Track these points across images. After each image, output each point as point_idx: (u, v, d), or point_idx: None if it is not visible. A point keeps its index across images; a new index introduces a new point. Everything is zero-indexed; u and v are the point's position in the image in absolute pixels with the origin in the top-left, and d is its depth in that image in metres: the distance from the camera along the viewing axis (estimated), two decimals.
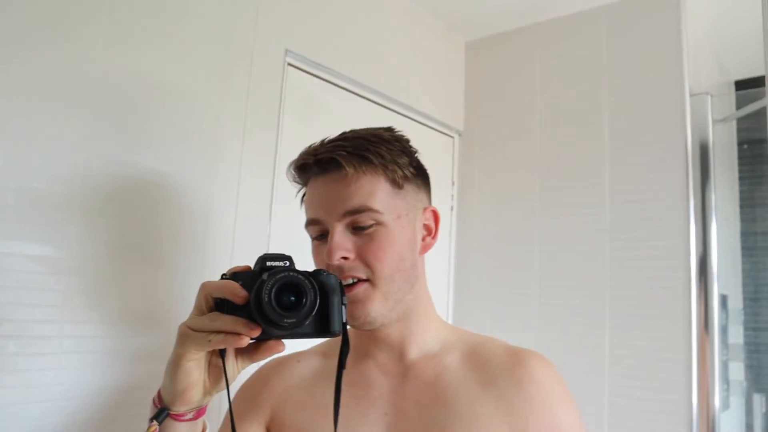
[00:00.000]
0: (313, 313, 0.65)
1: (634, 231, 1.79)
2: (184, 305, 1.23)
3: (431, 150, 2.12)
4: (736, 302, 2.11)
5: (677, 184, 1.73)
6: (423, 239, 0.90)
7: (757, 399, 2.05)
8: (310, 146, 0.88)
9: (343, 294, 0.71)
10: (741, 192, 2.27)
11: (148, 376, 1.15)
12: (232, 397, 0.74)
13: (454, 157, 2.20)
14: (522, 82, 2.11)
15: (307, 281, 0.65)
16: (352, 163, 0.82)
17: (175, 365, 0.67)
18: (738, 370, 1.99)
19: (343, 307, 0.70)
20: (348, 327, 0.76)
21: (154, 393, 0.74)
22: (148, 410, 0.72)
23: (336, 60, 1.68)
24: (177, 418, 0.70)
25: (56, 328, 1.05)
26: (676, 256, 1.71)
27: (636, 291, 1.76)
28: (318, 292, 0.65)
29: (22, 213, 1.01)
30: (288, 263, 0.68)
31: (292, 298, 0.65)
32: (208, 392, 0.71)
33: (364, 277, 0.82)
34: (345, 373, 0.89)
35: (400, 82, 1.93)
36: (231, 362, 0.71)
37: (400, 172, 0.85)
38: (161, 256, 1.21)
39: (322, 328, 0.68)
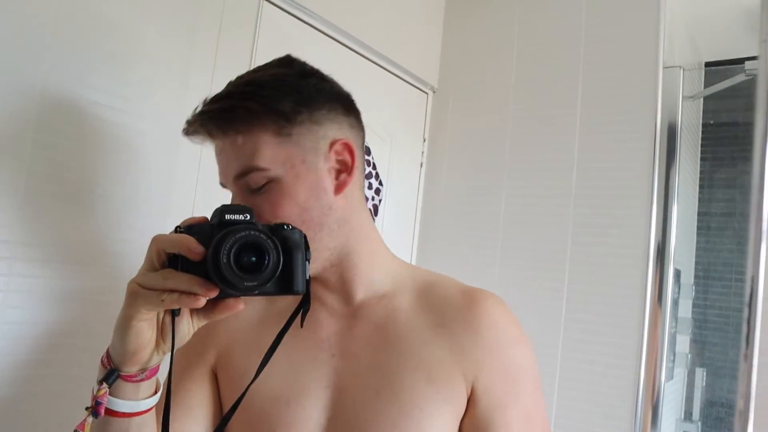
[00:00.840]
0: (276, 275, 0.61)
1: (599, 199, 1.81)
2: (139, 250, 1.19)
3: (405, 104, 2.10)
4: (688, 278, 2.17)
5: (644, 158, 1.75)
6: (337, 177, 0.82)
7: (699, 373, 2.13)
8: (195, 109, 0.80)
9: (307, 249, 0.67)
10: (701, 172, 2.32)
11: (100, 306, 1.11)
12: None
13: (427, 114, 2.18)
14: (500, 42, 2.09)
15: (269, 240, 0.60)
16: (221, 130, 0.76)
17: (124, 325, 0.62)
18: (684, 344, 2.06)
19: (307, 262, 0.66)
20: None
21: (103, 351, 0.68)
22: (96, 370, 0.68)
23: (315, 1, 1.62)
24: (128, 378, 0.65)
25: (6, 249, 1.00)
26: (637, 229, 1.74)
27: (595, 258, 1.79)
28: (281, 252, 0.61)
29: None
30: (249, 216, 0.63)
31: (253, 259, 0.60)
32: (161, 351, 0.67)
33: None
34: (287, 312, 0.85)
35: (378, 31, 1.88)
36: (186, 321, 0.67)
37: (282, 119, 0.76)
38: (118, 184, 1.16)
39: (284, 287, 0.64)
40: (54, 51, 1.04)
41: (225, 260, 0.58)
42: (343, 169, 0.82)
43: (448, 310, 0.83)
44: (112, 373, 0.65)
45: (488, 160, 2.05)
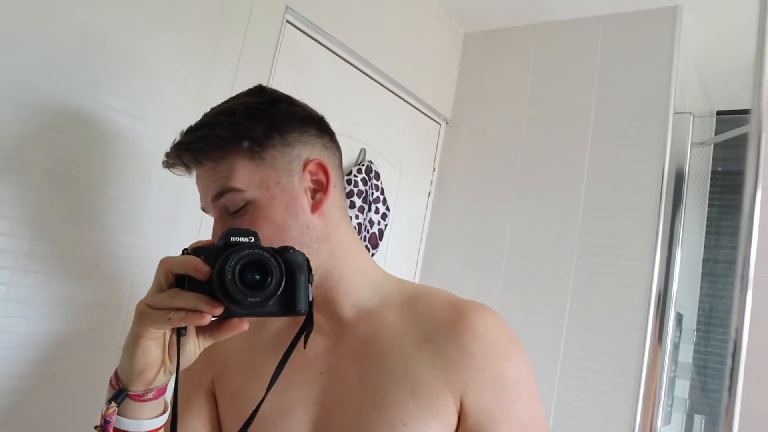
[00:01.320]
0: (279, 292, 0.62)
1: (604, 239, 1.82)
2: (144, 255, 1.21)
3: (417, 133, 2.13)
4: (690, 322, 2.16)
5: (650, 201, 1.77)
6: (313, 197, 0.83)
7: (698, 420, 2.10)
8: (173, 142, 0.84)
9: (310, 272, 0.68)
10: (708, 218, 2.33)
11: (94, 332, 1.13)
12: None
13: (439, 144, 2.21)
14: (514, 78, 2.13)
15: (272, 259, 0.62)
16: (196, 160, 0.80)
17: (133, 344, 0.65)
18: (683, 388, 2.04)
19: (310, 285, 0.68)
20: None
21: (111, 373, 0.70)
22: (105, 391, 0.69)
23: (335, 26, 1.67)
24: (136, 398, 0.67)
25: (6, 275, 1.01)
26: (640, 270, 1.74)
27: (598, 295, 1.79)
28: (284, 271, 0.63)
29: None
30: (254, 239, 0.65)
31: (257, 277, 0.62)
32: (168, 371, 0.68)
33: None
34: (280, 334, 0.88)
35: (395, 60, 1.92)
36: (192, 341, 0.68)
37: (255, 144, 0.79)
38: (130, 188, 1.19)
39: (287, 308, 0.65)
40: (77, 58, 1.08)
41: (230, 276, 0.60)
42: (319, 188, 0.83)
43: (434, 323, 0.81)
44: (120, 393, 0.66)
45: (496, 192, 2.08)
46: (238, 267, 0.61)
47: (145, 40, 1.19)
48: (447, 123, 2.24)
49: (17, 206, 1.02)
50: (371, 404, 0.78)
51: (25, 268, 1.03)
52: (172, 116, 1.24)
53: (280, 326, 0.89)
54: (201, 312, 0.61)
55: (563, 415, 1.76)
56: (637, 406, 1.67)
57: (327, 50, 1.67)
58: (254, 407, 0.82)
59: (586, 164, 1.90)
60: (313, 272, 0.80)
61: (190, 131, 0.82)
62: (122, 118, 1.16)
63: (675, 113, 1.78)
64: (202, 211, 0.84)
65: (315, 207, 0.83)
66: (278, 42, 1.50)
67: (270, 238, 0.77)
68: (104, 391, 0.69)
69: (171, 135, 1.22)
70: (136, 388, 0.67)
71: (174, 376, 0.69)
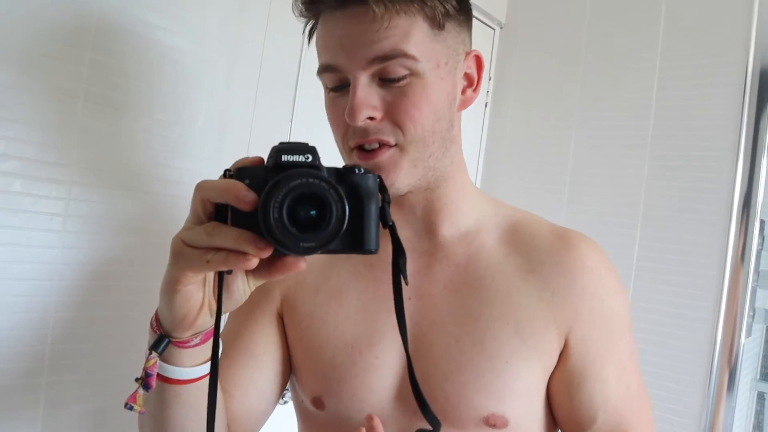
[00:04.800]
0: (341, 233, 0.49)
1: (677, 144, 1.68)
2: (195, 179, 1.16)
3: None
4: None
5: (732, 101, 1.60)
6: (463, 92, 0.74)
7: None
8: None
9: (384, 191, 0.57)
10: None
11: (160, 235, 1.08)
12: None
13: (493, 51, 2.06)
14: None
15: (331, 189, 0.49)
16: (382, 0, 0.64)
17: (170, 289, 0.55)
18: (764, 298, 1.93)
19: (387, 205, 0.56)
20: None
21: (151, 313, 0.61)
22: (146, 328, 0.61)
23: None
24: (181, 345, 0.58)
25: (66, 172, 0.97)
26: (721, 176, 1.60)
27: (673, 204, 1.67)
28: (347, 204, 0.49)
29: (30, 43, 0.91)
30: (311, 158, 0.51)
31: (312, 213, 0.49)
32: (215, 312, 0.58)
33: (392, 141, 0.67)
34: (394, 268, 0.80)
35: None
36: (240, 280, 0.58)
37: (441, 8, 0.67)
38: (177, 111, 1.12)
39: (352, 245, 0.53)
40: None
41: (276, 215, 0.48)
42: (469, 85, 0.75)
43: (540, 253, 0.75)
44: (162, 340, 0.58)
45: (557, 100, 1.93)
46: (287, 202, 0.48)
47: None
48: (501, 28, 2.07)
49: (65, 134, 0.97)
50: (470, 336, 0.72)
51: (78, 197, 0.99)
52: (211, 31, 1.16)
53: None
54: (245, 253, 0.50)
55: (640, 330, 1.68)
56: (718, 319, 1.58)
57: None
58: (338, 333, 0.76)
59: (657, 62, 1.73)
60: (432, 173, 0.72)
61: None
62: (162, 35, 1.08)
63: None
64: (323, 72, 0.70)
65: (463, 104, 0.74)
66: None
67: (425, 124, 0.67)
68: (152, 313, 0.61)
69: (211, 52, 1.15)
70: (181, 334, 0.58)
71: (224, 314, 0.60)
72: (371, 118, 0.66)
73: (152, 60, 1.07)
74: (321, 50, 0.71)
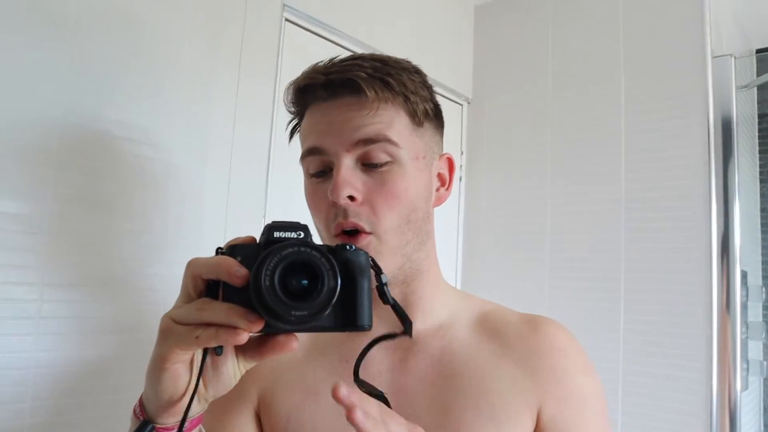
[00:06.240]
0: (333, 302, 0.48)
1: (652, 202, 1.70)
2: (172, 285, 1.15)
3: None
4: (756, 279, 2.03)
5: (698, 154, 1.64)
6: (437, 190, 0.78)
7: None
8: (315, 65, 0.73)
9: (379, 272, 0.56)
10: (761, 165, 2.17)
11: (134, 344, 1.08)
12: None
13: (463, 126, 2.11)
14: (533, 45, 2.01)
15: (323, 259, 0.48)
16: (373, 87, 0.67)
17: (157, 369, 0.52)
18: (757, 350, 1.91)
19: (385, 287, 0.56)
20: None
21: (135, 400, 0.58)
22: (130, 412, 0.58)
23: (338, 18, 1.59)
24: None
25: (35, 291, 0.97)
26: (697, 230, 1.62)
27: (653, 264, 1.68)
28: (339, 274, 0.49)
29: None
30: (302, 234, 0.51)
31: (304, 282, 0.49)
32: (203, 398, 0.56)
33: (367, 229, 0.68)
34: (338, 348, 0.78)
35: (405, 45, 1.83)
36: (230, 361, 0.56)
37: (421, 106, 0.72)
38: (147, 218, 1.13)
39: (345, 321, 0.52)
40: (72, 83, 1.03)
41: (267, 283, 0.47)
42: (442, 184, 0.79)
43: (510, 337, 0.76)
44: (145, 426, 0.55)
45: (529, 168, 1.96)
46: (278, 270, 0.48)
47: (139, 57, 1.13)
48: (469, 103, 2.13)
49: (35, 251, 0.97)
50: (444, 428, 0.70)
51: (50, 298, 0.99)
52: (177, 138, 1.18)
53: (330, 335, 0.79)
54: (235, 328, 0.49)
55: (633, 394, 1.65)
56: (711, 374, 1.56)
57: (333, 44, 1.59)
58: None
59: (623, 126, 1.77)
60: (409, 266, 0.73)
61: (362, 58, 0.71)
62: (125, 145, 1.10)
63: (713, 57, 1.65)
64: (308, 155, 0.72)
65: (437, 201, 0.78)
66: (279, 43, 1.42)
67: (401, 211, 0.69)
68: (129, 422, 0.59)
69: (178, 157, 1.17)
70: (164, 420, 0.55)
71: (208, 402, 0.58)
72: (352, 198, 0.68)
73: (119, 172, 1.08)
74: (306, 136, 0.73)
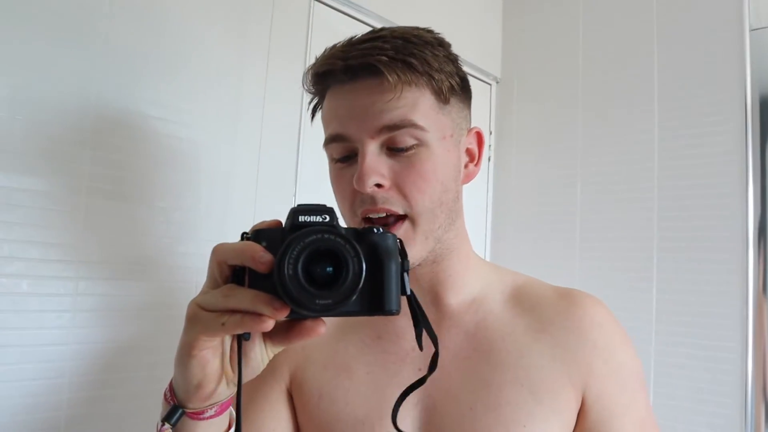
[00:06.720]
0: (358, 289, 0.48)
1: (686, 180, 1.66)
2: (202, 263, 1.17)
3: None
4: None
5: (734, 132, 1.59)
6: (465, 166, 0.76)
7: None
8: (333, 47, 0.72)
9: (404, 257, 0.55)
10: None
11: (168, 321, 1.10)
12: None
13: (492, 106, 2.09)
14: (564, 23, 1.97)
15: (347, 246, 0.48)
16: (395, 70, 0.65)
17: (185, 355, 0.53)
18: None
19: (406, 274, 0.54)
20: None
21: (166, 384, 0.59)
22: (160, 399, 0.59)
23: None
24: (195, 416, 0.56)
25: (71, 269, 0.99)
26: (732, 210, 1.58)
27: (687, 244, 1.64)
28: (364, 261, 0.48)
29: (30, 145, 0.95)
30: (328, 218, 0.50)
31: (329, 269, 0.48)
32: (231, 381, 0.56)
33: (400, 212, 0.67)
34: (370, 324, 0.78)
35: (434, 24, 1.79)
36: (258, 346, 0.56)
37: (447, 83, 0.69)
38: (178, 197, 1.14)
39: (372, 306, 0.50)
40: (105, 64, 1.04)
41: (290, 271, 0.47)
42: (471, 160, 0.77)
43: (548, 312, 0.75)
44: (175, 411, 0.55)
45: (560, 149, 1.93)
46: (302, 258, 0.47)
47: (168, 40, 1.14)
48: (498, 82, 2.11)
49: (69, 231, 0.99)
50: (484, 404, 0.70)
51: (84, 292, 1.01)
52: (207, 118, 1.19)
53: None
54: (261, 314, 0.48)
55: (666, 375, 1.63)
56: (747, 357, 1.52)
57: (362, 24, 1.58)
58: (348, 409, 0.74)
59: (656, 104, 1.73)
60: (439, 245, 0.72)
61: (382, 38, 0.68)
62: (158, 125, 1.11)
63: (751, 30, 1.60)
64: (330, 142, 0.70)
65: (466, 178, 0.76)
66: (308, 23, 1.42)
67: (432, 194, 0.68)
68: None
69: (208, 137, 1.18)
70: (195, 404, 0.55)
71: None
72: (379, 186, 0.67)
73: (151, 151, 1.10)
74: (329, 121, 0.72)
